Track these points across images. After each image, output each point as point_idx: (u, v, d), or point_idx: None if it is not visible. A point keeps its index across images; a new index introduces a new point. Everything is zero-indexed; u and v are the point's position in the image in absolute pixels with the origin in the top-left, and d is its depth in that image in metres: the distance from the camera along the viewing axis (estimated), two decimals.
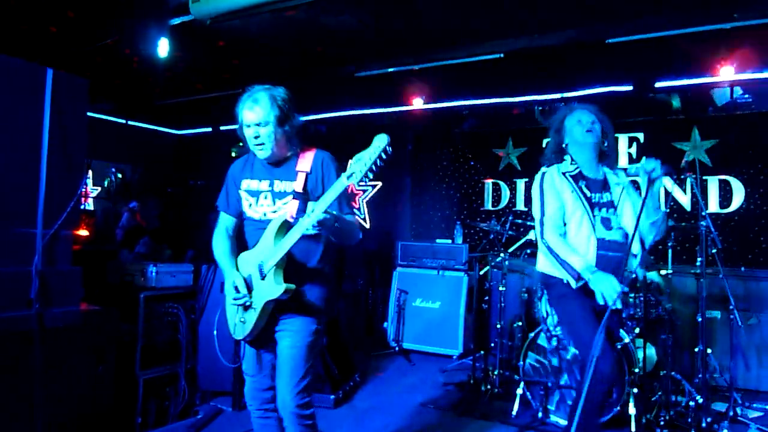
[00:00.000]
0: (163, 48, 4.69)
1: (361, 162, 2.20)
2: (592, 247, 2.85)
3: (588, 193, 2.92)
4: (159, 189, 7.83)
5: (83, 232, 5.66)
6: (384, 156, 2.19)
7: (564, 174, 2.98)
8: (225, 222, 2.75)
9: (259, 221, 2.57)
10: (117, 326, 3.40)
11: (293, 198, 2.50)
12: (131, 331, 3.70)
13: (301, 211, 2.46)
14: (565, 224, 2.92)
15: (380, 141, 2.20)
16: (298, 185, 2.51)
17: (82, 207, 5.98)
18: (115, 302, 3.75)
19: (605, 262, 2.81)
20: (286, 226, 2.46)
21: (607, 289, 2.66)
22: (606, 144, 3.01)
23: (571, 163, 3.01)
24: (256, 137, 2.50)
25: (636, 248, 2.86)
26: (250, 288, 2.51)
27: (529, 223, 4.94)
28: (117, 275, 3.96)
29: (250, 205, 2.60)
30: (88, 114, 3.21)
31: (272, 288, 2.43)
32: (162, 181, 8.08)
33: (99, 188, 7.66)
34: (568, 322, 2.88)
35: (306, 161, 2.56)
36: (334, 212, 2.35)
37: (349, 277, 6.63)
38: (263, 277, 2.45)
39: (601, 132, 3.00)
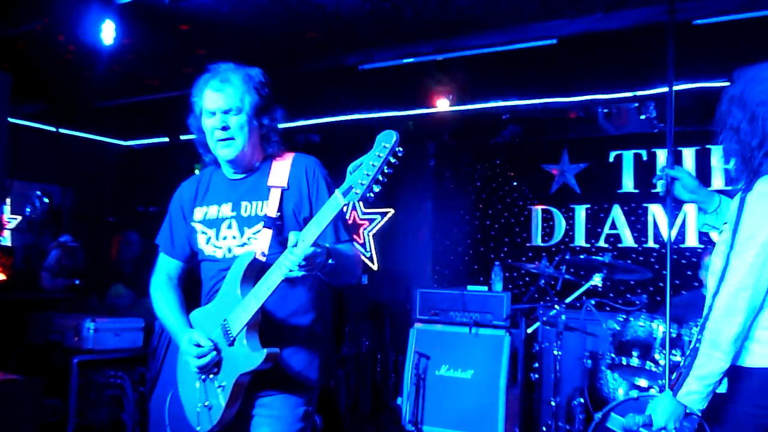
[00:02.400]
0: (107, 34, 4.78)
1: (361, 171, 2.10)
2: None
3: None
4: (97, 218, 7.89)
5: None
6: (393, 160, 2.09)
7: None
8: (166, 266, 2.72)
9: (223, 261, 2.51)
10: (41, 401, 3.41)
11: (264, 226, 2.44)
12: (60, 407, 3.70)
13: (277, 244, 2.41)
14: None
15: (386, 139, 2.10)
16: (270, 208, 2.46)
17: None
18: (40, 369, 3.76)
19: None
20: (256, 268, 2.40)
21: None
22: None
23: None
24: (224, 128, 2.46)
25: None
26: (216, 349, 2.43)
27: (597, 258, 4.90)
28: (42, 332, 3.99)
29: (209, 239, 2.55)
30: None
31: (247, 356, 2.34)
32: (102, 207, 8.14)
33: (18, 217, 7.73)
34: None
35: (281, 172, 2.52)
36: (327, 245, 2.28)
37: (350, 335, 6.60)
38: (231, 343, 2.38)
39: None
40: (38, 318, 4.11)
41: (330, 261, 2.27)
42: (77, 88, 6.88)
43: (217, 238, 2.54)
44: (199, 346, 2.42)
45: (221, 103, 2.46)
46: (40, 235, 7.37)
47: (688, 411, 2.27)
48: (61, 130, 8.01)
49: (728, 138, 2.41)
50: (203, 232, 2.58)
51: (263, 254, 2.41)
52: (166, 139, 8.18)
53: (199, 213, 2.61)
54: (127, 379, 3.95)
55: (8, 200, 7.51)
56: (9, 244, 7.47)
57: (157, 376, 4.12)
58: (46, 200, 7.67)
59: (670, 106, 3.46)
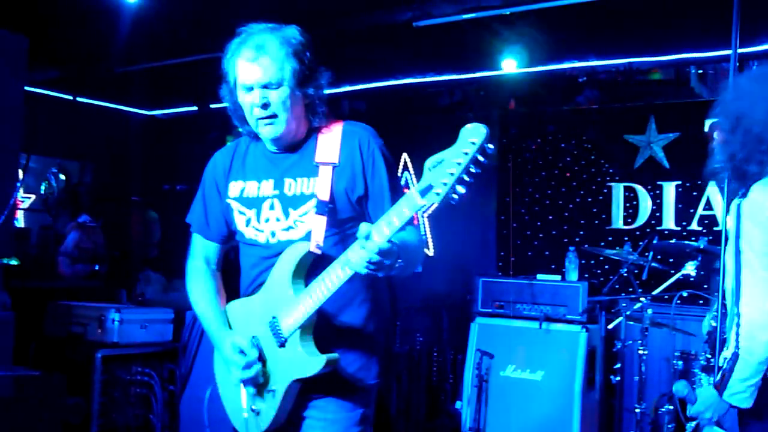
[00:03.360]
0: None
1: (443, 169, 2.06)
2: None
3: None
4: (119, 197, 8.04)
5: (12, 261, 5.88)
6: (482, 159, 2.05)
7: None
8: (202, 249, 2.74)
9: (266, 246, 2.54)
10: (62, 399, 3.50)
11: (316, 213, 2.45)
12: (82, 406, 3.79)
13: (333, 233, 2.45)
14: None
15: (474, 135, 2.05)
16: (321, 188, 2.46)
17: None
18: (60, 364, 3.86)
19: None
20: (310, 261, 2.43)
21: None
22: None
23: None
24: (264, 106, 2.43)
25: None
26: (262, 358, 2.47)
27: (691, 243, 4.82)
28: (62, 324, 4.09)
29: (248, 221, 2.58)
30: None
31: (303, 361, 2.38)
32: (124, 184, 8.28)
33: (32, 196, 7.90)
34: None
35: (330, 146, 2.51)
36: (396, 240, 2.23)
37: (403, 331, 6.62)
38: (283, 344, 2.42)
39: None
40: (58, 308, 4.21)
41: (399, 262, 2.26)
42: (97, 52, 6.99)
43: (258, 220, 2.55)
44: (243, 353, 2.45)
45: (259, 77, 2.42)
46: (56, 216, 7.53)
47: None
48: (79, 99, 8.14)
49: (718, 144, 2.81)
50: (241, 212, 2.59)
51: (318, 246, 2.41)
52: (194, 108, 8.28)
53: (234, 188, 2.62)
54: (156, 376, 4.03)
55: (21, 176, 7.66)
56: (22, 225, 7.64)
57: (188, 374, 4.19)
58: (63, 177, 7.82)
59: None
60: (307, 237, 2.45)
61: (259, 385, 2.47)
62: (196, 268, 2.72)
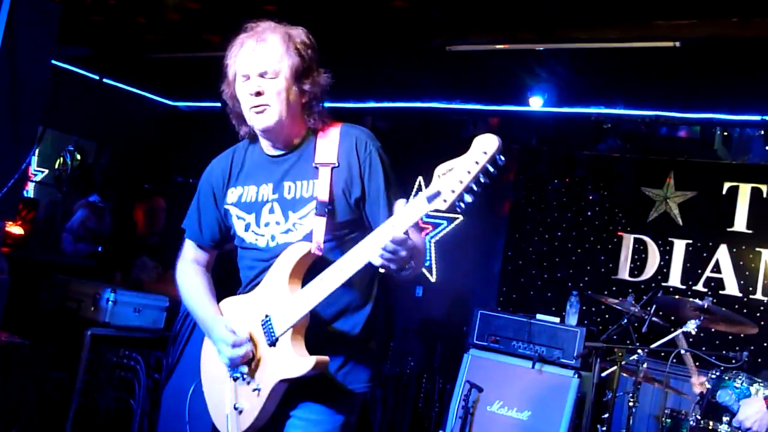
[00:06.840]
0: None
1: (453, 177, 2.10)
2: None
3: None
4: (131, 183, 8.05)
5: (16, 229, 5.89)
6: (492, 170, 2.09)
7: None
8: (193, 253, 2.77)
9: (266, 250, 2.53)
10: (46, 372, 3.48)
11: (316, 214, 2.43)
12: (65, 382, 3.77)
13: (332, 237, 2.44)
14: None
15: (486, 145, 2.09)
16: (321, 189, 2.45)
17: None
18: (49, 336, 3.84)
19: None
20: (307, 263, 2.42)
21: None
22: None
23: None
24: (258, 94, 2.41)
25: None
26: (252, 353, 2.46)
27: (696, 302, 4.80)
28: (56, 297, 4.08)
29: (248, 225, 2.57)
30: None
31: (291, 360, 2.36)
32: (138, 171, 8.29)
33: (45, 170, 7.91)
34: None
35: (329, 147, 2.50)
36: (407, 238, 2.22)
37: (395, 352, 6.59)
38: (273, 343, 2.41)
39: None
40: (54, 281, 4.20)
41: (410, 263, 2.26)
42: (129, 34, 7.02)
43: (257, 225, 2.54)
44: (235, 334, 2.45)
45: (256, 65, 2.41)
46: (67, 194, 7.54)
47: None
48: (105, 80, 8.17)
49: None
50: (240, 218, 2.59)
51: (319, 248, 2.40)
52: (219, 105, 8.30)
53: (233, 194, 2.61)
54: (142, 362, 4.01)
55: (36, 150, 7.67)
56: (31, 196, 7.64)
57: (174, 365, 4.17)
58: (78, 155, 7.84)
59: None
60: (306, 239, 2.44)
61: (246, 382, 2.46)
62: (186, 267, 2.76)
